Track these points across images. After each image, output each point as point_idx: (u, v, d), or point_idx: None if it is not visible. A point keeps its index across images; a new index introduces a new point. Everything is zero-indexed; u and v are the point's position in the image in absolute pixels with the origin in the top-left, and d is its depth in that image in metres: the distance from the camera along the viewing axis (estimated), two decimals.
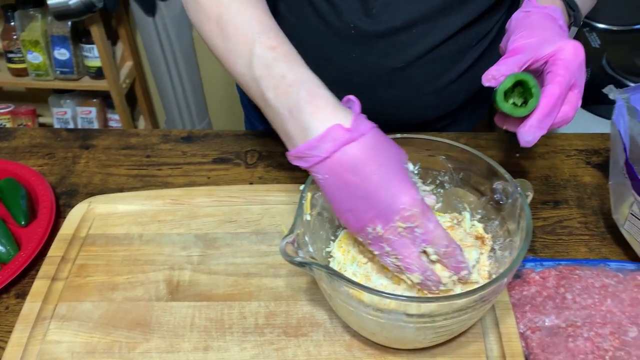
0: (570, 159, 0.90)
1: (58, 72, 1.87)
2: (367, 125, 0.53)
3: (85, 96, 2.02)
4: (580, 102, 0.60)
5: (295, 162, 0.55)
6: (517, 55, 0.60)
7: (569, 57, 0.58)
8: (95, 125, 2.02)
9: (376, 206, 0.52)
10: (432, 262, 0.56)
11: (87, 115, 1.99)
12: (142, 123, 2.14)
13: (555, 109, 0.58)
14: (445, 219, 0.66)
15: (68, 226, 0.77)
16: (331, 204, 0.56)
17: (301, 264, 0.53)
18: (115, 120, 2.04)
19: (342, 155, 0.51)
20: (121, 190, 0.87)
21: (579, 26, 0.75)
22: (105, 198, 0.82)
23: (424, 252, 0.55)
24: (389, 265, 0.56)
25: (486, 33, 0.87)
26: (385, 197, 0.52)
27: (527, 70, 0.60)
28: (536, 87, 0.58)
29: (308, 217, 0.58)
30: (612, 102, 0.71)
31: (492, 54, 0.90)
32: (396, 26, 0.80)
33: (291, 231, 0.55)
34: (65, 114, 1.99)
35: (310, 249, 0.55)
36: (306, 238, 0.56)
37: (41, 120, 2.18)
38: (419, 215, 0.52)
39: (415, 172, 0.59)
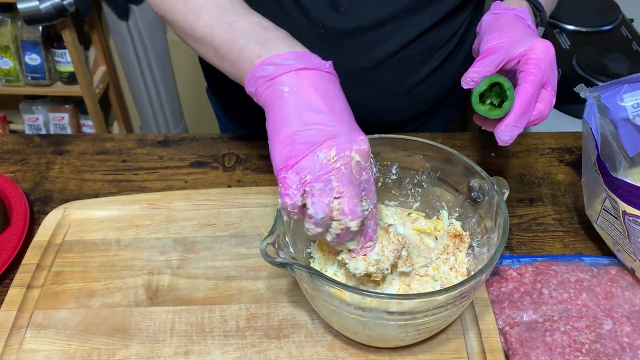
0: (544, 157, 0.92)
1: (29, 77, 1.84)
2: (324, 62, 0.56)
3: (57, 102, 1.98)
4: (554, 100, 0.61)
5: (259, 74, 0.55)
6: (491, 55, 0.61)
7: (539, 56, 0.59)
8: (69, 132, 1.98)
9: (337, 128, 0.52)
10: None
11: (60, 121, 1.95)
12: (116, 128, 2.12)
13: (530, 107, 0.59)
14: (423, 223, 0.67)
15: (43, 233, 0.76)
16: (279, 126, 0.53)
17: (282, 265, 0.53)
18: (88, 126, 2.01)
19: (313, 74, 0.54)
20: (97, 195, 0.85)
21: (545, 26, 0.76)
22: (81, 204, 0.81)
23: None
24: (317, 225, 0.52)
25: (454, 32, 0.89)
26: (348, 123, 0.53)
27: (502, 69, 0.61)
28: (510, 90, 0.58)
29: (287, 218, 0.58)
30: (583, 102, 0.73)
31: (459, 53, 0.92)
32: (364, 25, 0.81)
33: (271, 232, 0.55)
34: (37, 120, 1.96)
35: (291, 250, 0.55)
36: (287, 239, 0.56)
37: (12, 127, 2.14)
38: (369, 156, 0.53)
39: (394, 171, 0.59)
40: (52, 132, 1.99)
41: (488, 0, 0.87)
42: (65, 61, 1.81)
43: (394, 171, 0.67)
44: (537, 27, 0.72)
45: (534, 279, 0.70)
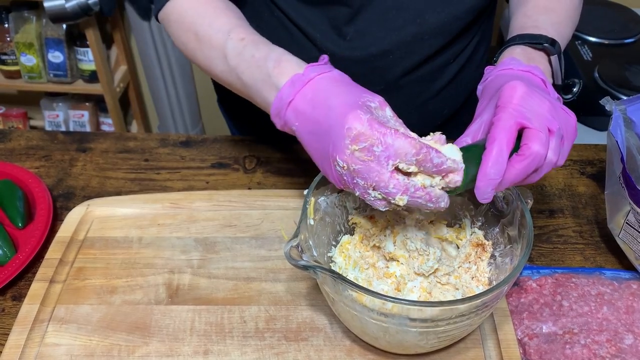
0: (565, 169, 0.91)
1: (51, 74, 1.86)
2: (322, 68, 0.56)
3: (78, 99, 2.01)
4: (542, 135, 0.52)
5: (276, 121, 0.59)
6: (468, 127, 0.59)
7: (503, 101, 0.53)
8: (88, 129, 2.00)
9: (329, 135, 0.51)
10: (412, 174, 0.51)
11: (80, 118, 1.97)
12: (134, 127, 2.14)
13: (501, 152, 0.51)
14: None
15: (66, 229, 0.77)
16: (310, 156, 0.56)
17: (305, 268, 0.53)
18: (108, 124, 2.03)
19: (302, 96, 0.55)
20: (119, 193, 0.86)
21: (556, 53, 0.68)
22: (104, 201, 0.81)
23: (398, 169, 0.51)
24: (378, 206, 0.52)
25: (464, 47, 0.88)
26: (331, 124, 0.52)
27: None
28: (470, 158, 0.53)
29: (311, 222, 0.59)
30: (604, 114, 0.72)
31: (471, 65, 0.91)
32: (372, 53, 0.81)
33: (295, 235, 0.55)
34: (58, 117, 1.98)
35: (314, 253, 0.55)
36: (310, 242, 0.56)
37: (32, 123, 2.16)
38: (369, 132, 0.49)
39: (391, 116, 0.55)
40: (71, 129, 2.02)
41: (499, 9, 0.86)
42: (88, 59, 1.83)
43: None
44: (549, 58, 0.68)
45: (553, 290, 0.70)
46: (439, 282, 0.61)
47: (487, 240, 0.63)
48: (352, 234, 0.67)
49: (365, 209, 0.67)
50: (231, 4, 0.72)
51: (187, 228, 0.78)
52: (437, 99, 0.89)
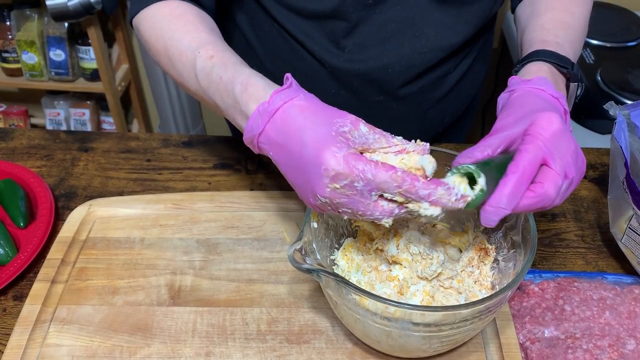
0: None
1: (53, 73, 1.86)
2: (288, 94, 0.53)
3: (79, 98, 2.00)
4: (559, 179, 0.51)
5: (251, 148, 0.57)
6: (489, 138, 0.55)
7: (537, 130, 0.52)
8: (89, 128, 2.00)
9: (305, 174, 0.50)
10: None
11: (81, 117, 1.97)
12: (135, 126, 2.13)
13: (519, 186, 0.50)
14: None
15: (68, 229, 0.77)
16: (289, 183, 0.55)
17: (309, 271, 0.53)
18: (108, 122, 2.03)
19: (271, 125, 0.53)
20: (121, 193, 0.86)
21: (577, 81, 0.69)
22: (106, 201, 0.81)
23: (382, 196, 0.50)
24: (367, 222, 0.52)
25: (464, 57, 0.87)
26: (307, 161, 0.50)
27: (507, 152, 0.56)
28: (482, 179, 0.50)
29: (315, 225, 0.59)
30: (606, 117, 0.72)
31: (471, 73, 0.91)
32: (371, 66, 0.81)
33: (299, 238, 0.55)
34: (59, 115, 1.98)
35: (318, 256, 0.55)
36: (313, 245, 0.56)
37: (33, 121, 2.16)
38: (347, 170, 0.48)
39: (367, 131, 0.52)
40: (72, 127, 2.01)
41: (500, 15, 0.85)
42: (89, 58, 1.83)
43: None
44: (566, 86, 0.68)
45: (556, 295, 0.70)
46: (442, 286, 0.61)
47: (490, 244, 0.63)
48: (355, 237, 0.67)
49: None
50: (206, 16, 0.71)
51: (190, 229, 0.78)
52: (437, 107, 0.89)
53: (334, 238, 0.65)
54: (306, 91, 0.55)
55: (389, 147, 0.52)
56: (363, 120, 0.52)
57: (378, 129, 0.53)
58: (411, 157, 0.52)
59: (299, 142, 0.51)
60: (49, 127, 2.03)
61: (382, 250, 0.64)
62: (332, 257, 0.65)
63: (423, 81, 0.84)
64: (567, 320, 0.67)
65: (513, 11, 0.85)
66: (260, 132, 0.54)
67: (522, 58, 0.69)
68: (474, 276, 0.62)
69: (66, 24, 1.77)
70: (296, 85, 0.55)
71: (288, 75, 0.55)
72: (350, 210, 0.50)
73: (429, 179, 0.51)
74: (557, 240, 0.80)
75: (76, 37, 1.82)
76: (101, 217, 0.80)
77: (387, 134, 0.52)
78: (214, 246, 0.75)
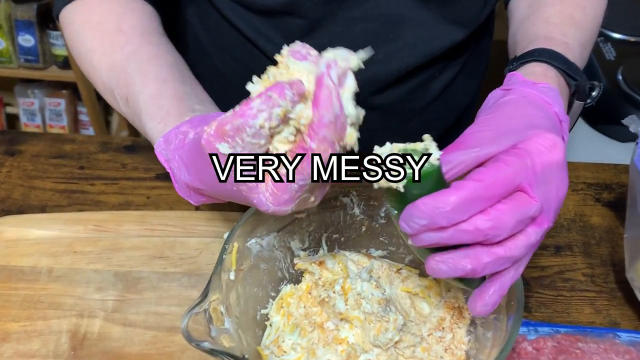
0: (577, 194, 0.76)
1: (22, 60, 1.73)
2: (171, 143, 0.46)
3: (54, 87, 1.87)
4: (533, 208, 0.38)
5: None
6: (457, 151, 0.41)
7: (531, 148, 0.38)
8: (64, 119, 1.87)
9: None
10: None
11: (56, 107, 1.84)
12: (115, 118, 1.99)
13: (470, 196, 0.36)
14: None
15: None
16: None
17: (211, 352, 0.39)
18: (85, 113, 1.90)
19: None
20: (44, 207, 0.73)
21: (585, 100, 0.55)
22: (17, 220, 0.68)
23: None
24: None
25: (454, 58, 0.72)
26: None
27: None
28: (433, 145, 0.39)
29: (231, 276, 0.45)
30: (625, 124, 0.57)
31: (465, 77, 0.76)
32: None
33: (202, 298, 0.41)
34: (33, 105, 1.85)
35: (227, 325, 0.41)
36: (222, 308, 0.42)
37: (9, 110, 2.03)
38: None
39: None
40: (47, 118, 1.89)
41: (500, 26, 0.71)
42: (61, 44, 1.69)
43: (382, 214, 0.53)
44: (571, 101, 0.54)
45: (554, 358, 0.55)
46: (402, 356, 0.47)
47: (467, 302, 0.49)
48: (297, 282, 0.52)
49: (315, 251, 0.52)
50: (131, 13, 0.61)
51: (109, 258, 0.64)
52: (420, 119, 0.74)
53: (269, 285, 0.51)
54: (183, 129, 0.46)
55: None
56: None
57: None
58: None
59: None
60: (23, 117, 1.90)
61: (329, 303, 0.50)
62: (264, 311, 0.51)
63: (401, 89, 0.69)
64: None
65: (506, 7, 0.70)
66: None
67: (522, 54, 0.53)
68: (444, 342, 0.48)
69: (35, 6, 1.63)
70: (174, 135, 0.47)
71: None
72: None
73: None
74: (560, 281, 0.65)
75: (47, 22, 1.69)
76: (8, 239, 0.66)
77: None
78: (135, 282, 0.62)
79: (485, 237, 0.36)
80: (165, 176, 0.78)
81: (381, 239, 0.54)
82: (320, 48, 0.66)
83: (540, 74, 0.49)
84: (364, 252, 0.55)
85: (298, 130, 0.34)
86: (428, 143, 0.38)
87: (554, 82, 0.49)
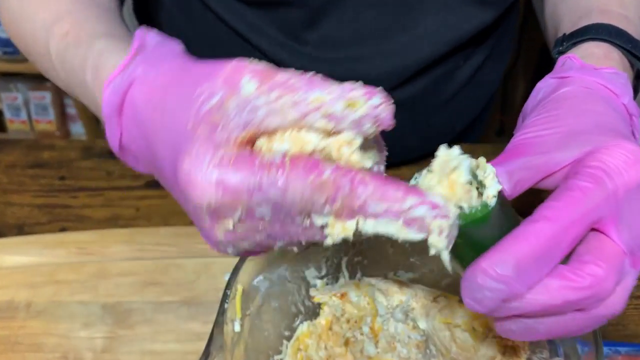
0: None
1: (1, 52, 1.62)
2: (127, 77, 0.32)
3: (39, 79, 1.77)
4: (621, 262, 0.29)
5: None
6: (512, 160, 0.33)
7: (606, 168, 0.29)
8: (51, 113, 1.78)
9: (185, 205, 0.30)
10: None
11: (41, 100, 1.75)
12: None
13: (545, 252, 0.27)
14: None
15: None
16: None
17: None
18: (72, 106, 1.81)
19: (127, 131, 0.33)
20: (21, 226, 0.65)
21: None
22: None
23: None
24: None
25: (478, 47, 0.63)
26: (177, 195, 0.30)
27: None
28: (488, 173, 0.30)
29: (237, 327, 0.36)
30: None
31: (493, 60, 0.67)
32: (347, 67, 0.59)
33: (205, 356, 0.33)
34: (16, 100, 1.75)
35: None
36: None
37: None
38: (228, 200, 0.26)
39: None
40: (33, 112, 1.79)
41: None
42: None
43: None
44: (634, 88, 0.43)
45: None
46: None
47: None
48: (315, 318, 0.44)
49: (335, 278, 0.44)
50: None
51: (95, 287, 0.56)
52: (443, 113, 0.65)
53: (282, 324, 0.43)
54: (169, 43, 0.34)
55: (301, 115, 0.27)
56: (252, 66, 0.27)
57: (284, 75, 0.27)
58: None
59: (159, 158, 0.30)
60: (7, 113, 1.80)
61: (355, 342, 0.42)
62: (278, 356, 0.43)
63: (420, 82, 0.60)
64: None
65: None
66: (119, 143, 0.34)
67: (573, 31, 0.44)
68: None
69: None
70: (151, 44, 0.34)
71: (137, 32, 0.35)
72: (273, 243, 0.29)
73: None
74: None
75: None
76: None
77: (303, 79, 0.27)
78: (126, 314, 0.54)
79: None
80: (156, 183, 0.69)
81: (412, 259, 0.46)
82: (327, 38, 0.57)
83: (601, 56, 0.40)
84: (392, 275, 0.46)
85: None
86: (483, 169, 0.29)
87: (619, 66, 0.40)
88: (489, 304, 0.28)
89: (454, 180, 0.28)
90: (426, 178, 0.29)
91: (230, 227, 0.27)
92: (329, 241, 0.28)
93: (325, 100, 0.27)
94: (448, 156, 0.28)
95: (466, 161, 0.28)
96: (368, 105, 0.27)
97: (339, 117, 0.27)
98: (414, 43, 0.56)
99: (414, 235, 0.27)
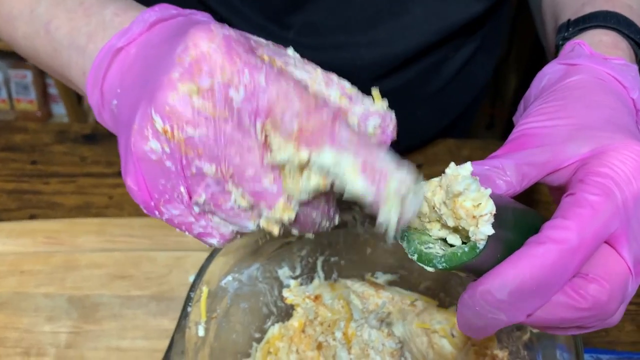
0: None
1: None
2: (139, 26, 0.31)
3: (19, 58, 1.72)
4: (626, 280, 0.28)
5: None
6: (514, 153, 0.31)
7: (615, 176, 0.28)
8: (32, 93, 1.73)
9: (144, 84, 0.29)
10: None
11: (22, 79, 1.70)
12: None
13: (549, 277, 0.26)
14: None
15: None
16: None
17: None
18: (53, 85, 1.76)
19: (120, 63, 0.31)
20: None
21: None
22: None
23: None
24: (244, 223, 0.28)
25: (469, 37, 0.61)
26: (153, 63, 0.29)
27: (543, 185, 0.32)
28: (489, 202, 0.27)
29: (201, 331, 0.34)
30: None
31: (483, 55, 0.65)
32: (332, 55, 0.56)
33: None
34: None
35: None
36: None
37: None
38: (226, 58, 0.27)
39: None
40: (14, 92, 1.74)
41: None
42: None
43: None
44: None
45: None
46: None
47: (502, 349, 0.39)
48: (287, 320, 0.42)
49: (309, 279, 0.42)
50: None
51: (62, 279, 0.54)
52: (430, 105, 0.63)
53: (251, 326, 0.41)
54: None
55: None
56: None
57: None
58: None
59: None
60: None
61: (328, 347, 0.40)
62: None
63: (408, 73, 0.58)
64: None
65: None
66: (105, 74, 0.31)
67: (579, 17, 0.42)
68: None
69: None
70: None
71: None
72: (211, 165, 0.26)
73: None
74: None
75: None
76: None
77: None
78: (93, 308, 0.52)
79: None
80: None
81: (390, 261, 0.44)
82: (311, 24, 0.55)
83: (609, 44, 0.38)
84: (369, 276, 0.44)
85: None
86: (484, 206, 0.26)
87: (627, 58, 0.38)
88: (473, 329, 0.26)
89: (460, 204, 0.26)
90: (436, 195, 0.27)
91: (196, 89, 0.26)
92: (268, 159, 0.25)
93: None
94: (456, 177, 0.26)
95: (474, 185, 0.26)
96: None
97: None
98: (403, 32, 0.54)
99: (361, 188, 0.24)
